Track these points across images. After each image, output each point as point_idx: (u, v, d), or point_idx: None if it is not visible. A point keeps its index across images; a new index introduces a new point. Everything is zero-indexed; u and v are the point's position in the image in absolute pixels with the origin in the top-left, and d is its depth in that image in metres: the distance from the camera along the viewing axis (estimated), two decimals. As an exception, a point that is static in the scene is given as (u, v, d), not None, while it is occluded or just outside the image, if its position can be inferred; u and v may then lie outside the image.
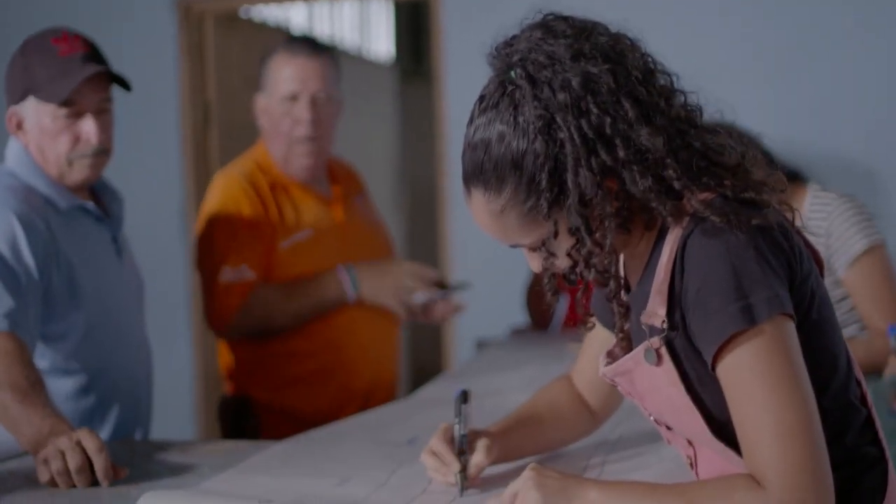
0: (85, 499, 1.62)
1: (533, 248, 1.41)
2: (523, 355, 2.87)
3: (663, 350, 1.36)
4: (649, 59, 1.38)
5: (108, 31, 3.25)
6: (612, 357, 1.51)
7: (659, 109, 1.35)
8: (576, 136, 1.31)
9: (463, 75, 3.94)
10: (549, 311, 3.47)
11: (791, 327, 1.30)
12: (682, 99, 1.39)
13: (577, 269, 1.39)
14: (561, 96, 1.31)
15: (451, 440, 1.62)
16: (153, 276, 2.84)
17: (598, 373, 1.52)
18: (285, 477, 1.69)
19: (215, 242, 2.63)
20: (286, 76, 2.64)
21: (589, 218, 1.34)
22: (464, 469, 1.58)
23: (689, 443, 1.46)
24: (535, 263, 1.44)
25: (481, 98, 1.38)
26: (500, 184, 1.34)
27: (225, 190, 2.66)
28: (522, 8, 1.39)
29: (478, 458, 1.60)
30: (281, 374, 2.65)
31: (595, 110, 1.31)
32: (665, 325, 1.35)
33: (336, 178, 2.81)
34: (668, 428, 1.48)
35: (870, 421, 1.42)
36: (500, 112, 1.34)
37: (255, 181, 2.66)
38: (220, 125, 4.31)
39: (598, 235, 1.34)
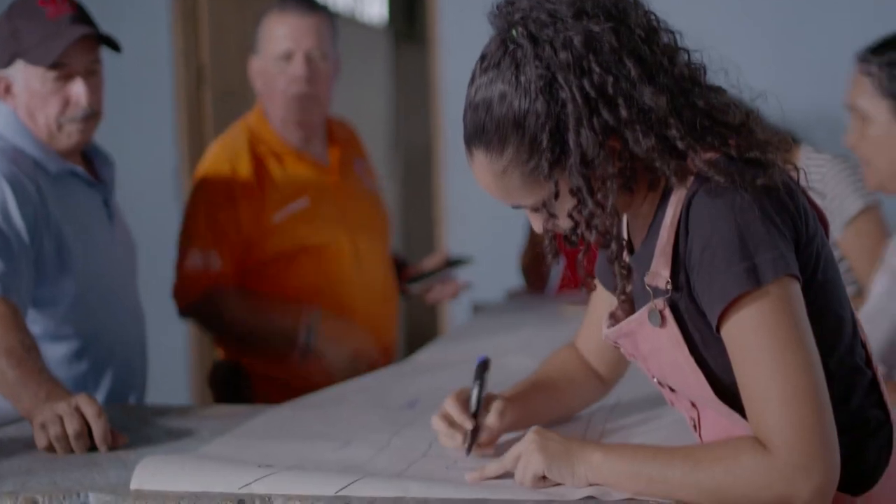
0: (83, 464, 1.61)
1: (535, 209, 1.40)
2: (520, 318, 2.86)
3: (667, 312, 1.35)
4: (652, 17, 1.37)
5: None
6: (614, 319, 1.50)
7: (662, 68, 1.33)
8: (577, 95, 1.29)
9: (458, 38, 3.91)
10: (544, 274, 3.47)
11: (796, 288, 1.29)
12: (686, 57, 1.37)
13: (579, 231, 1.37)
14: (562, 55, 1.30)
15: (464, 403, 1.59)
16: (147, 240, 2.81)
17: (601, 335, 1.51)
18: (285, 441, 1.68)
19: (191, 219, 2.60)
20: (279, 35, 2.60)
21: (591, 178, 1.32)
22: (475, 432, 1.56)
23: (693, 405, 1.46)
24: (536, 224, 1.42)
25: (482, 57, 1.36)
26: (501, 144, 1.33)
27: (213, 163, 2.62)
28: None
29: (490, 419, 1.57)
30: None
31: (597, 69, 1.30)
32: (669, 287, 1.35)
33: (335, 140, 2.76)
34: (672, 390, 1.48)
35: (875, 383, 1.41)
36: (501, 71, 1.33)
37: (245, 153, 2.61)
38: (214, 88, 4.28)
39: (599, 196, 1.33)
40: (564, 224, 1.39)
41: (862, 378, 1.40)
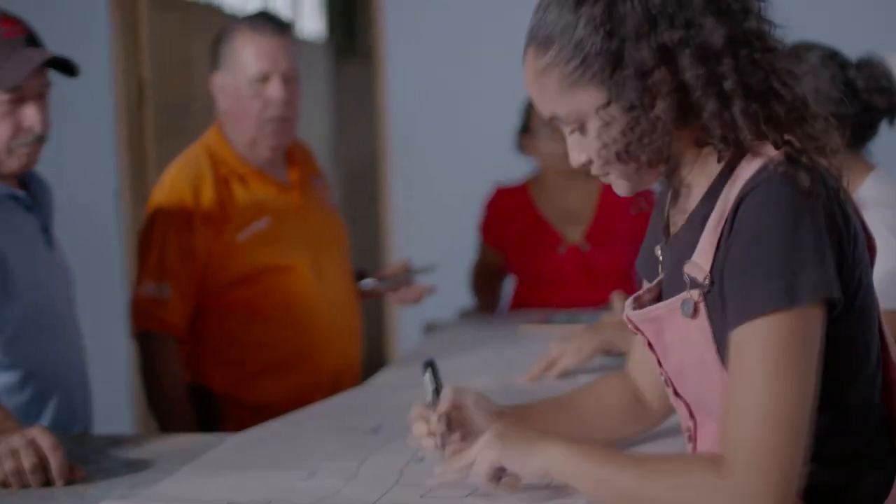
0: (39, 499, 1.55)
1: (570, 128, 1.37)
2: (476, 338, 2.82)
3: (701, 304, 1.32)
4: None
5: (40, 7, 3.10)
6: (639, 303, 1.46)
7: (731, 12, 1.30)
8: (638, 8, 1.28)
9: (403, 52, 3.86)
10: (496, 292, 3.44)
11: (823, 316, 1.25)
12: (766, 26, 1.33)
13: (630, 149, 1.33)
14: None
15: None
16: (87, 261, 2.73)
17: (622, 315, 1.47)
18: (249, 471, 1.62)
19: (146, 248, 2.53)
20: (252, 54, 2.52)
21: (642, 93, 1.30)
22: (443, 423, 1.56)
23: (691, 415, 1.43)
24: (574, 152, 1.39)
25: None
26: (548, 42, 1.34)
27: (173, 188, 2.53)
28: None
29: (441, 407, 1.56)
30: (243, 366, 2.57)
31: None
32: (707, 281, 1.31)
33: (294, 160, 2.70)
34: (676, 394, 1.44)
35: (888, 419, 1.38)
36: None
37: (208, 176, 2.53)
38: (155, 105, 4.18)
39: (654, 114, 1.30)
40: (592, 146, 1.36)
41: (876, 412, 1.37)
